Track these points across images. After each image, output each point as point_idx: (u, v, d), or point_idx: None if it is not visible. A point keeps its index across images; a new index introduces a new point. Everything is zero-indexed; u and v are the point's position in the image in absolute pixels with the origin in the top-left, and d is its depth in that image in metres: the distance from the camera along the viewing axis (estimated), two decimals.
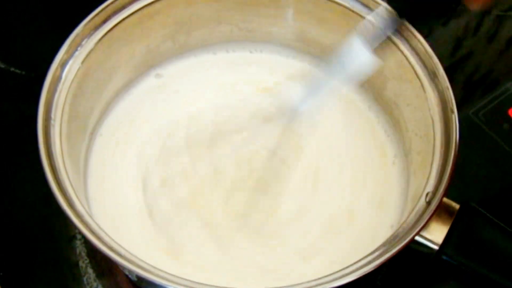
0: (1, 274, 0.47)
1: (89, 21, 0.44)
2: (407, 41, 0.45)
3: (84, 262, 0.48)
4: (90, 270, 0.48)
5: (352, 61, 0.42)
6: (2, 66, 0.59)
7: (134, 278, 0.40)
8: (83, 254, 0.49)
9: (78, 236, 0.49)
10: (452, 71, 0.42)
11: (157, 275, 0.35)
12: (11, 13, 0.63)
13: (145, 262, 0.36)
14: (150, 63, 0.52)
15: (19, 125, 0.54)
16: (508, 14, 0.66)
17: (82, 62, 0.44)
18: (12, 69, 0.58)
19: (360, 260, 0.36)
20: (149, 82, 0.52)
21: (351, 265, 0.36)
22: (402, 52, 0.45)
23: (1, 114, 0.56)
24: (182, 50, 0.53)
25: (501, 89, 0.60)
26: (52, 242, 0.50)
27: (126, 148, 0.49)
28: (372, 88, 0.51)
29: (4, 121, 0.56)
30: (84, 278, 0.48)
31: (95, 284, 0.48)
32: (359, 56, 0.41)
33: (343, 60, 0.42)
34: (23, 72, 0.58)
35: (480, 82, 0.61)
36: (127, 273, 0.41)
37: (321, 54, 0.52)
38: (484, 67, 0.62)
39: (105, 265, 0.48)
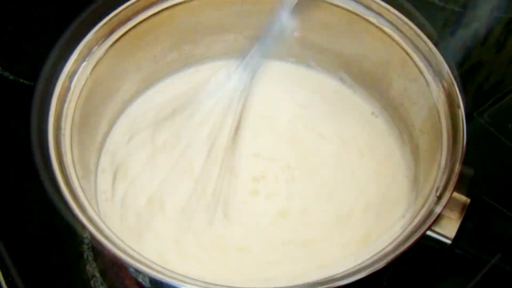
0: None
1: (96, 31, 0.44)
2: (410, 40, 0.45)
3: (91, 267, 0.48)
4: (97, 274, 0.48)
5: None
6: (11, 77, 0.58)
7: (147, 283, 0.40)
8: (90, 258, 0.48)
9: (86, 241, 0.49)
10: (462, 81, 0.43)
11: (171, 277, 0.35)
12: (16, 25, 0.63)
13: (159, 265, 0.36)
14: (157, 74, 0.52)
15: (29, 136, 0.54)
16: None
17: (90, 72, 0.44)
18: (21, 80, 0.58)
19: (371, 257, 0.36)
20: (157, 92, 0.52)
21: (363, 262, 0.36)
22: (405, 51, 0.45)
23: (11, 126, 0.56)
24: (188, 61, 0.53)
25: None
26: (60, 247, 0.49)
27: (136, 156, 0.48)
28: (377, 89, 0.51)
29: (13, 132, 0.55)
30: (91, 282, 0.48)
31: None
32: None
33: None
34: (32, 83, 0.58)
35: (491, 92, 0.60)
36: (140, 278, 0.41)
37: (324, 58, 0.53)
38: (495, 76, 0.61)
39: (112, 271, 0.48)
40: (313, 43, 0.52)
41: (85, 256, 0.49)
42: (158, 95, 0.52)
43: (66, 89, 0.43)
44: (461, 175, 0.38)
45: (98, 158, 0.48)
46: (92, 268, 0.48)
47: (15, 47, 0.62)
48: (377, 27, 0.47)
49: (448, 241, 0.38)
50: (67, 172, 0.39)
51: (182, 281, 0.35)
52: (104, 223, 0.37)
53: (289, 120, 0.52)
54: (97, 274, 0.48)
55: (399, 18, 0.46)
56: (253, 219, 0.46)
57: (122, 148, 0.49)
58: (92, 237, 0.36)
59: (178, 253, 0.44)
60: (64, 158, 0.40)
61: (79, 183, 0.39)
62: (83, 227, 0.36)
